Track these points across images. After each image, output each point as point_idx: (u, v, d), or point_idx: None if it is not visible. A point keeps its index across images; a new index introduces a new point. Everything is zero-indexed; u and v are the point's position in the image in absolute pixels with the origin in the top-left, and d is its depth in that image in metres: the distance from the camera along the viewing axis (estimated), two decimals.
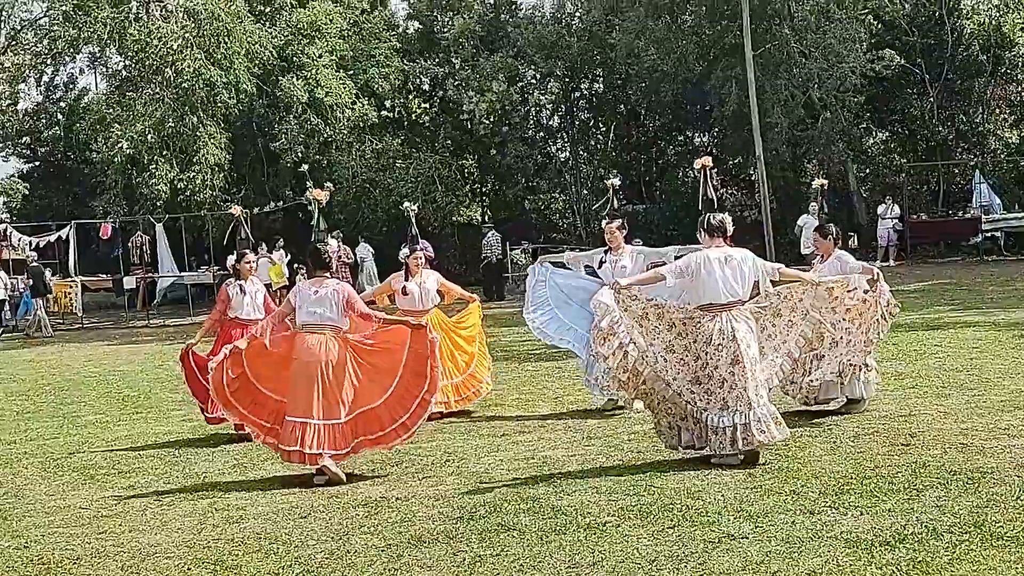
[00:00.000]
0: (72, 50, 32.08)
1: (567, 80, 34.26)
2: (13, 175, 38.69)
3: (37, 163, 39.25)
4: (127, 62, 31.91)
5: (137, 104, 29.29)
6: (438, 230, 32.38)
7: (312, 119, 29.80)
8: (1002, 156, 32.51)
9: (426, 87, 35.25)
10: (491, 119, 32.13)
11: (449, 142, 33.99)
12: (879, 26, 30.68)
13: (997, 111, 33.48)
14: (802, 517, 6.56)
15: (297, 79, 29.68)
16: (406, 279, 11.39)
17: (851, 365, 9.35)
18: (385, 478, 8.51)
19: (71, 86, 38.91)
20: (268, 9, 31.94)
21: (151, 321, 27.19)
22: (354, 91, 30.58)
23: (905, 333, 14.92)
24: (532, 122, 35.49)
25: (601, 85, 35.56)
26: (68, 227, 29.25)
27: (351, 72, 31.13)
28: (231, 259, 11.26)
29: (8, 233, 28.85)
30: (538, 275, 11.37)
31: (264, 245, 26.90)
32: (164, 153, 28.70)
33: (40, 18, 34.86)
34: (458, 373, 11.33)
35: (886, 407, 9.76)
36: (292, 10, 31.27)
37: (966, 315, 16.83)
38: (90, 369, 18.29)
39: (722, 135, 33.86)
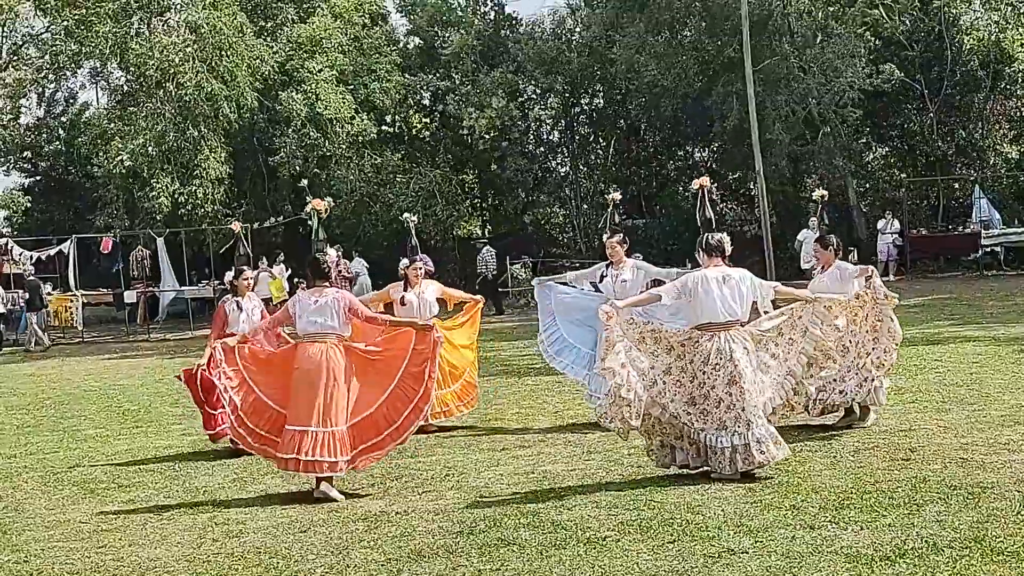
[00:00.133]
0: (74, 65, 32.17)
1: (567, 95, 34.34)
2: (14, 189, 38.74)
3: (38, 177, 39.30)
4: (128, 76, 31.97)
5: (138, 118, 29.34)
6: (440, 244, 32.39)
7: (312, 133, 29.84)
8: (1002, 171, 32.56)
9: (426, 102, 35.34)
10: (491, 134, 32.18)
11: (449, 157, 34.06)
12: (877, 42, 30.76)
13: (997, 126, 33.53)
14: (802, 532, 6.56)
15: (297, 93, 29.74)
16: (405, 290, 11.40)
17: (870, 376, 9.43)
18: (385, 492, 8.51)
19: (72, 101, 39.02)
20: (270, 24, 32.03)
21: (151, 335, 27.19)
22: (353, 106, 30.63)
23: (905, 348, 14.84)
24: (532, 137, 35.55)
25: (601, 100, 35.63)
26: (69, 241, 29.26)
27: (351, 87, 31.19)
28: (229, 275, 11.27)
29: (9, 247, 28.85)
30: (541, 298, 11.42)
31: (265, 259, 26.91)
32: (165, 167, 28.73)
33: (42, 33, 34.94)
34: (456, 380, 11.32)
35: (886, 422, 9.76)
36: (293, 25, 31.37)
37: (966, 330, 16.83)
38: (90, 383, 18.29)
39: (722, 150, 33.91)
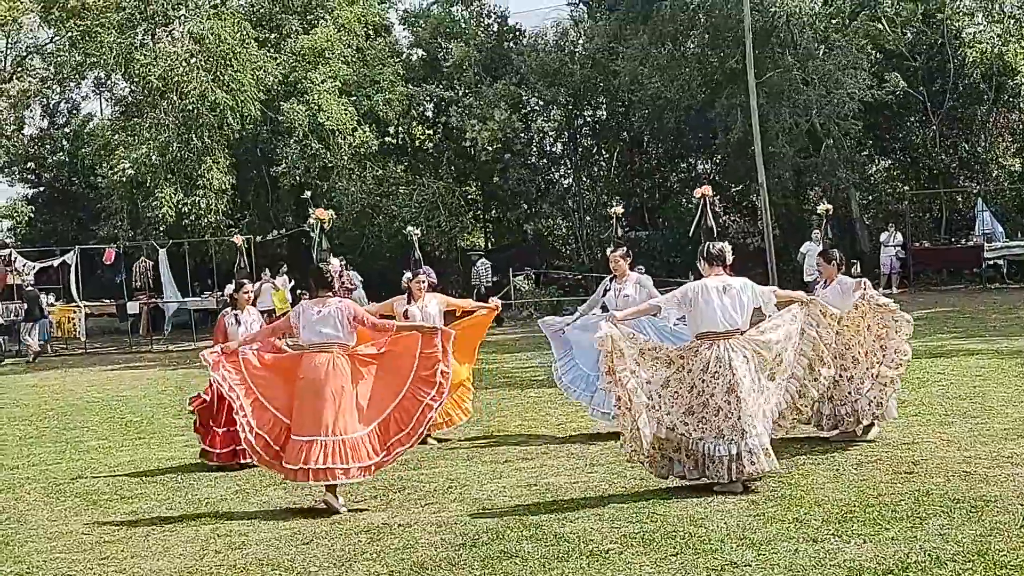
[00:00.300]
0: (78, 76, 32.26)
1: (570, 107, 34.38)
2: (18, 199, 38.79)
3: (42, 188, 39.38)
4: (133, 87, 32.05)
5: (142, 128, 29.39)
6: (443, 255, 32.42)
7: (313, 144, 29.89)
8: (1005, 184, 32.57)
9: (429, 113, 35.40)
10: (494, 146, 32.22)
11: (452, 168, 34.11)
12: (878, 55, 30.81)
13: (999, 139, 33.55)
14: (805, 545, 6.55)
15: (299, 104, 29.80)
16: (408, 303, 11.39)
17: (884, 387, 9.46)
18: (387, 504, 8.51)
19: (75, 111, 39.11)
20: (273, 36, 32.11)
21: (154, 346, 27.21)
22: (356, 118, 30.69)
23: None
24: (535, 149, 35.60)
25: (604, 112, 35.66)
26: (72, 252, 29.30)
27: (354, 98, 31.25)
28: (229, 288, 11.28)
29: (13, 258, 28.89)
30: (550, 331, 11.45)
31: (268, 271, 26.93)
32: (168, 177, 28.78)
33: (46, 44, 35.05)
34: (455, 389, 11.28)
35: (889, 435, 9.75)
36: (297, 37, 31.44)
37: (969, 343, 16.82)
38: (93, 394, 18.29)
39: (725, 162, 33.93)
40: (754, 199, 32.14)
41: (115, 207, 31.43)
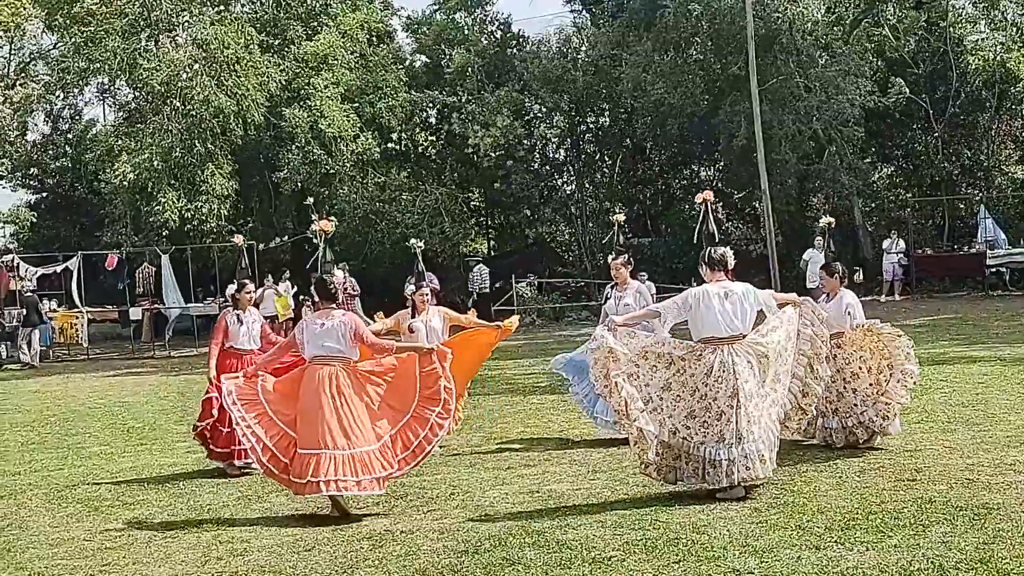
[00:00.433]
0: (82, 81, 32.29)
1: (573, 114, 34.41)
2: (21, 205, 38.81)
3: (45, 194, 39.39)
4: (136, 92, 32.08)
5: (145, 134, 29.41)
6: (446, 262, 32.42)
7: (315, 150, 29.91)
8: (1007, 191, 32.56)
9: (432, 120, 35.43)
10: (496, 152, 32.24)
11: (455, 175, 34.13)
12: (881, 62, 30.84)
13: (1002, 146, 33.56)
14: (807, 552, 6.55)
15: (300, 110, 29.82)
16: (412, 316, 11.37)
17: (890, 403, 9.48)
18: (390, 511, 8.50)
19: (78, 117, 39.13)
20: (277, 42, 32.16)
21: (157, 352, 27.23)
22: (358, 124, 30.71)
23: None
24: (538, 155, 35.62)
25: (607, 119, 35.69)
26: (75, 258, 29.31)
27: (357, 104, 31.28)
28: (231, 288, 11.27)
29: (15, 263, 28.91)
30: (565, 368, 11.45)
31: (270, 277, 26.93)
32: (171, 182, 28.79)
33: (50, 50, 35.10)
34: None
35: (892, 442, 9.74)
36: (300, 43, 31.47)
37: (972, 350, 16.80)
38: (95, 400, 18.28)
39: (727, 169, 33.95)
40: (757, 206, 32.14)
41: (118, 213, 31.45)
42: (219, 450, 10.46)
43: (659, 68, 30.42)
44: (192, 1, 30.16)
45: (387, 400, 8.57)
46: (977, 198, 31.64)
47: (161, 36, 30.22)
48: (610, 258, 11.46)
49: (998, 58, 32.07)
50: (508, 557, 6.88)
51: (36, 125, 38.48)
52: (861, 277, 28.30)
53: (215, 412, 10.35)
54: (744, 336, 8.29)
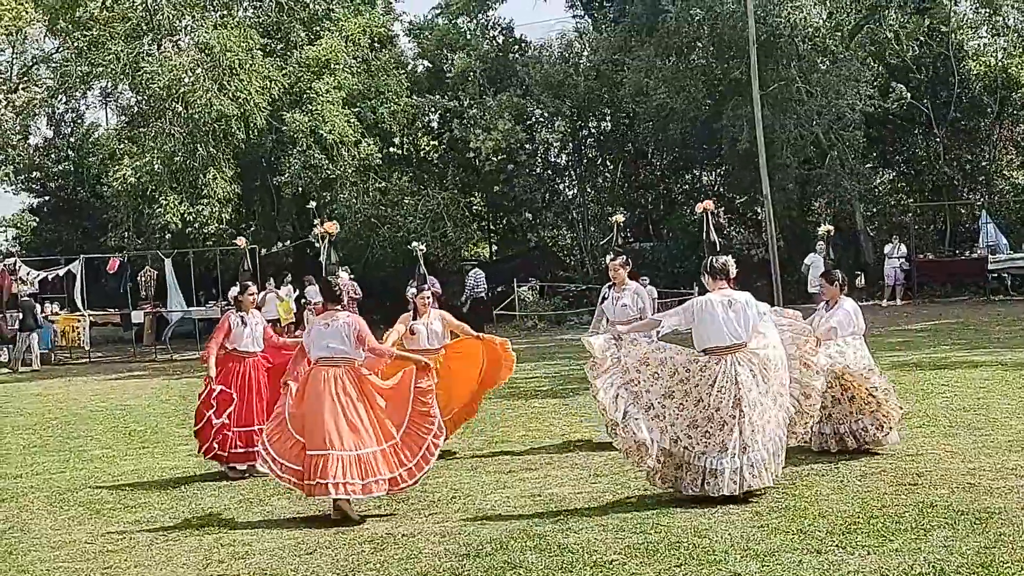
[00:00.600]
0: (84, 85, 32.32)
1: (574, 118, 34.43)
2: (23, 209, 38.87)
3: (47, 197, 39.44)
4: (138, 97, 32.12)
5: (147, 138, 29.44)
6: (449, 266, 32.42)
7: (316, 155, 29.94)
8: (1009, 196, 32.55)
9: (434, 124, 35.45)
10: (498, 156, 32.26)
11: (457, 179, 34.15)
12: (881, 67, 30.85)
13: (1004, 152, 33.54)
14: (809, 556, 6.55)
15: (302, 114, 29.85)
16: (414, 318, 11.37)
17: (886, 414, 9.49)
18: (391, 514, 8.51)
19: (80, 121, 39.19)
20: (279, 46, 32.19)
21: (158, 356, 27.24)
22: (360, 130, 30.73)
23: (912, 372, 14.91)
24: (540, 160, 35.64)
25: (608, 123, 35.70)
26: (77, 261, 29.34)
27: (358, 109, 31.30)
28: (234, 290, 11.27)
29: (17, 267, 28.93)
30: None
31: (272, 280, 26.94)
32: (173, 185, 28.81)
33: (53, 54, 35.14)
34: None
35: (893, 446, 9.73)
36: (302, 47, 31.50)
37: (973, 355, 16.79)
38: (97, 403, 18.29)
39: (729, 174, 33.95)
40: (759, 211, 32.15)
41: (120, 216, 31.47)
42: (237, 452, 10.46)
43: (661, 73, 30.44)
44: (195, 6, 30.21)
45: (388, 405, 8.61)
46: (979, 203, 31.64)
47: (164, 40, 30.25)
48: (608, 258, 11.47)
49: (1000, 63, 32.07)
50: (509, 561, 6.88)
51: (39, 129, 38.59)
52: (863, 282, 28.34)
53: (215, 416, 10.36)
54: (746, 345, 8.31)
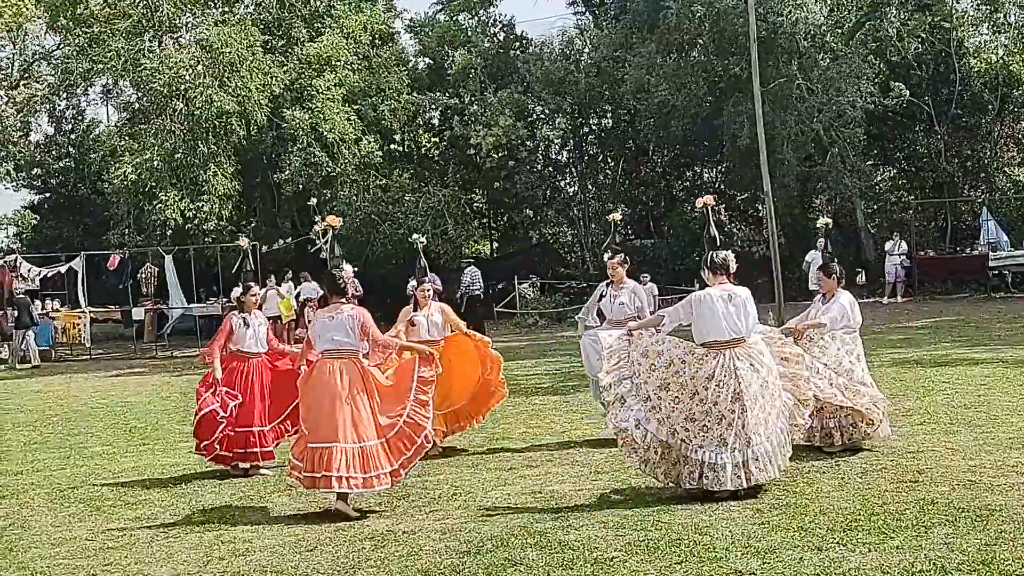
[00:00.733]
0: (85, 82, 32.31)
1: (575, 115, 34.42)
2: (24, 206, 38.84)
3: (48, 194, 39.45)
4: (139, 93, 32.11)
5: (148, 135, 29.43)
6: (449, 263, 32.41)
7: (316, 152, 29.92)
8: (1010, 193, 32.56)
9: (435, 121, 35.44)
10: (498, 153, 32.25)
11: (458, 176, 34.14)
12: (882, 64, 30.85)
13: (1004, 148, 33.56)
14: (810, 553, 6.55)
15: (302, 111, 29.83)
16: (415, 310, 11.38)
17: (868, 421, 9.49)
18: (392, 511, 8.51)
19: (81, 118, 39.18)
20: (280, 43, 32.18)
21: (159, 352, 27.24)
22: (360, 127, 30.72)
23: (913, 369, 14.91)
24: (540, 156, 35.64)
25: (609, 120, 35.71)
26: (78, 258, 29.35)
27: (359, 107, 31.28)
28: (236, 291, 11.25)
29: (18, 263, 28.93)
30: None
31: (273, 277, 26.93)
32: (174, 182, 28.80)
33: (54, 50, 35.12)
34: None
35: (894, 443, 9.73)
36: (303, 44, 31.48)
37: (974, 352, 16.79)
38: (97, 400, 18.29)
39: (730, 170, 33.95)
40: (760, 207, 32.14)
41: (121, 213, 31.46)
42: (237, 452, 10.46)
43: (662, 70, 30.44)
44: (195, 2, 30.19)
45: (388, 396, 8.61)
46: (979, 200, 31.65)
47: (164, 37, 30.22)
48: (606, 256, 11.46)
49: (1000, 60, 32.05)
50: (510, 558, 6.88)
51: (39, 126, 38.57)
52: (864, 279, 28.36)
53: (220, 420, 10.35)
54: (746, 339, 8.31)
